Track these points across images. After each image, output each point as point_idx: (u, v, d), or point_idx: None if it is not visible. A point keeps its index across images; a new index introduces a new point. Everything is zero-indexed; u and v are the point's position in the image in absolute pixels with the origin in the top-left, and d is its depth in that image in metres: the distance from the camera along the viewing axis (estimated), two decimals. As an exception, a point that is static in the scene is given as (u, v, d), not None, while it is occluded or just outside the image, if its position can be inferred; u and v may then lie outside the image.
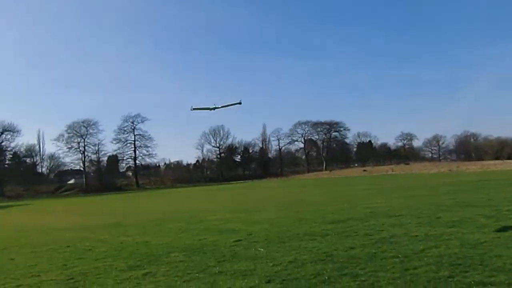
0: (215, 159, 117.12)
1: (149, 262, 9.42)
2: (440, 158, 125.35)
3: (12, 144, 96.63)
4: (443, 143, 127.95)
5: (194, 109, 20.26)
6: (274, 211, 19.79)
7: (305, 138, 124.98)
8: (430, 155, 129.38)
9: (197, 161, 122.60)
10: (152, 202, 39.61)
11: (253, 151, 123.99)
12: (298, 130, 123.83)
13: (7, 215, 36.86)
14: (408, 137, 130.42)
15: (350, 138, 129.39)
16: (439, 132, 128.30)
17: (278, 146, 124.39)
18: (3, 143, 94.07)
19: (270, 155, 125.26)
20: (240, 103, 18.88)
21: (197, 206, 28.64)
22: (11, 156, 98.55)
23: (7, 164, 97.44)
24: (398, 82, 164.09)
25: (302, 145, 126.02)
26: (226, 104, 19.17)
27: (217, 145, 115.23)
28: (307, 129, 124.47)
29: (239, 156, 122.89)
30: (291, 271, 7.53)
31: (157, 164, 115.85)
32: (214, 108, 18.95)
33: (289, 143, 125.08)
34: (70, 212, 33.82)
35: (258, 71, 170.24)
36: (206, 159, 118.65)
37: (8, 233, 19.10)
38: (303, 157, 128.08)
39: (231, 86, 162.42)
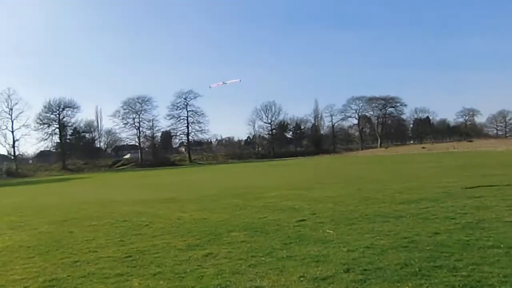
0: (267, 136, 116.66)
1: (209, 241, 8.79)
2: (507, 135, 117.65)
3: (73, 120, 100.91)
4: (510, 119, 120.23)
5: (210, 87, 21.91)
6: (334, 189, 18.73)
7: (359, 114, 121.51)
8: (495, 131, 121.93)
9: (248, 137, 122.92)
10: (205, 177, 39.59)
11: (305, 127, 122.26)
12: (352, 105, 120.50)
13: (68, 187, 38.21)
14: (471, 113, 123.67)
15: (407, 114, 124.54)
16: (506, 108, 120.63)
17: (331, 123, 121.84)
18: (64, 119, 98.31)
19: (322, 132, 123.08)
20: (240, 81, 20.49)
21: (251, 182, 28.06)
22: (71, 131, 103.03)
23: (68, 139, 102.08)
24: (460, 54, 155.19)
25: (355, 121, 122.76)
26: (231, 81, 20.88)
27: (269, 121, 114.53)
28: (361, 104, 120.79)
29: (290, 133, 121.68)
30: (371, 259, 6.59)
31: (209, 140, 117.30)
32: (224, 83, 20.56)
33: (342, 119, 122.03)
34: (126, 185, 34.48)
35: (311, 44, 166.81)
36: (258, 136, 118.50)
37: (69, 205, 19.35)
38: (357, 133, 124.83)
39: (283, 60, 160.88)
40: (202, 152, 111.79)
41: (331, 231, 9.01)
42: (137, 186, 31.88)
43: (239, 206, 14.66)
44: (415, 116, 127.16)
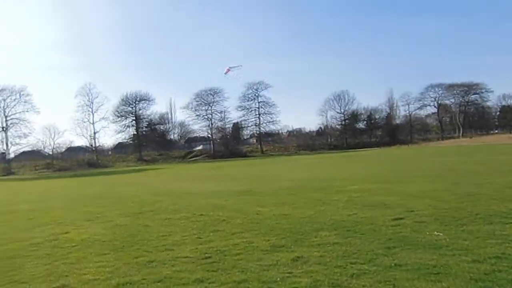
0: (338, 126, 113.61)
1: (295, 241, 7.82)
2: None
3: (148, 112, 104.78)
4: None
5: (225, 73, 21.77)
6: (425, 182, 16.96)
7: (439, 102, 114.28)
8: None
9: (320, 128, 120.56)
10: (278, 169, 38.72)
11: (379, 117, 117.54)
12: (430, 93, 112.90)
13: (144, 178, 39.16)
14: None
15: (493, 101, 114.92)
16: None
17: (407, 112, 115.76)
18: (139, 111, 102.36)
19: (397, 121, 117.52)
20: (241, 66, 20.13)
21: (328, 174, 26.71)
22: (147, 123, 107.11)
23: (144, 131, 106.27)
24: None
25: (434, 110, 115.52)
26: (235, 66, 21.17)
27: (341, 111, 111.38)
28: (440, 92, 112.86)
29: (364, 123, 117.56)
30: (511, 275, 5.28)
31: (280, 131, 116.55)
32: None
33: (419, 108, 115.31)
34: (200, 177, 34.50)
35: (385, 31, 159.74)
36: (329, 126, 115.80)
37: (144, 196, 19.34)
38: (435, 123, 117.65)
39: (358, 48, 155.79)
40: (273, 143, 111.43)
41: (440, 234, 7.66)
42: (210, 178, 31.69)
43: (321, 200, 13.52)
44: (502, 103, 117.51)
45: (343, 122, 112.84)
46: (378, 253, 6.61)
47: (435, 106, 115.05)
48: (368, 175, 23.10)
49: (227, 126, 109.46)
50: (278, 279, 5.74)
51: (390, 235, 7.78)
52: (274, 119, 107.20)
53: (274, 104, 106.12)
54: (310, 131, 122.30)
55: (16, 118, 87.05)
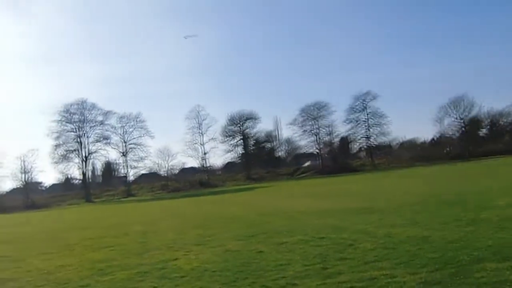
0: (456, 134, 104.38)
1: (453, 277, 6.00)
2: None
3: (254, 131, 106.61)
4: None
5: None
6: None
7: None
8: None
9: (434, 137, 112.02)
10: (395, 183, 35.70)
11: (506, 121, 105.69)
12: None
13: (254, 197, 38.87)
14: None
15: None
16: None
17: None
18: (246, 130, 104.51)
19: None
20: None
21: (455, 187, 23.57)
22: (254, 141, 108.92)
23: (251, 149, 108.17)
24: None
25: None
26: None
27: (459, 117, 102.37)
28: None
29: (487, 128, 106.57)
30: None
31: (391, 143, 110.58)
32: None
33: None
34: (310, 194, 33.11)
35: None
36: (446, 135, 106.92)
37: (255, 216, 18.47)
38: None
39: (474, 49, 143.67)
40: (384, 155, 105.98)
41: None
42: (321, 194, 30.08)
43: (462, 219, 11.29)
44: None
45: (463, 129, 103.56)
46: None
47: None
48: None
49: (335, 140, 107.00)
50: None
51: None
52: (385, 130, 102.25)
53: (383, 115, 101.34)
54: (424, 142, 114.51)
55: (134, 143, 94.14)
